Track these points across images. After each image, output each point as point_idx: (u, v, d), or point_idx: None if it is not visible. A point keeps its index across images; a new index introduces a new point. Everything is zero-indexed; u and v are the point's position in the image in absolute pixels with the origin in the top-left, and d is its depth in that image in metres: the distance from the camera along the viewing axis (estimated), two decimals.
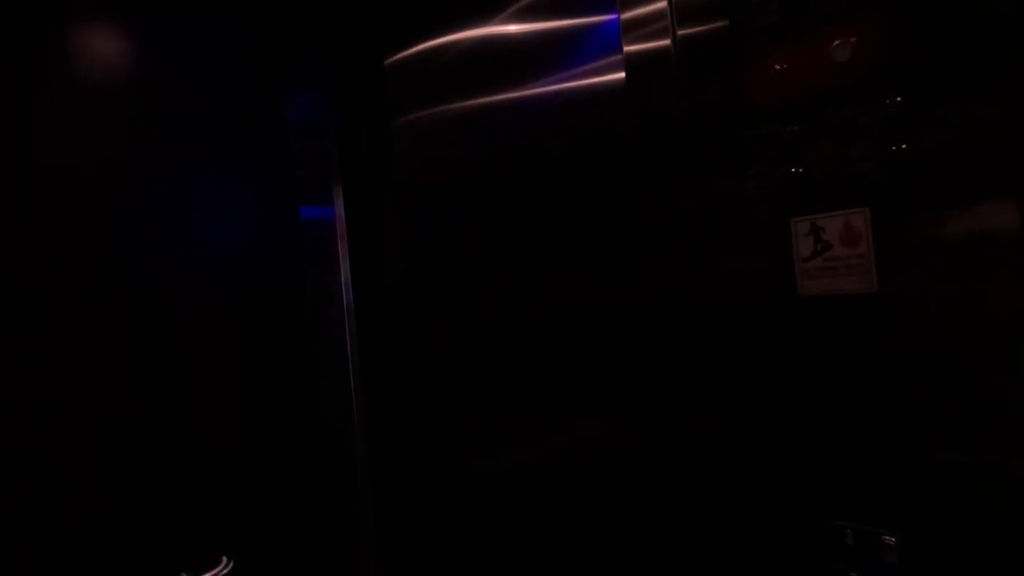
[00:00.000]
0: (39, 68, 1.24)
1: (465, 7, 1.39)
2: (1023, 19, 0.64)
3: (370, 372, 1.58)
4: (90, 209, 1.24)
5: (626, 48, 1.08)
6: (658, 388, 0.96)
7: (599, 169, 1.18)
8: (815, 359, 0.76)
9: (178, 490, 1.25)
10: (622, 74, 1.11)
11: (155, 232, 1.35)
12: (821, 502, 0.76)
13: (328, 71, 1.64)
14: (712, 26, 0.94)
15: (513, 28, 1.32)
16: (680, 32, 1.00)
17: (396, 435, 1.55)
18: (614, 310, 1.10)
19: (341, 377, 1.56)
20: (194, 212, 1.43)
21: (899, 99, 0.71)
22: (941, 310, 0.68)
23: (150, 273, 1.32)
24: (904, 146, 0.71)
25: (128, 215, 1.31)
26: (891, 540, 0.70)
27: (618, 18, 1.09)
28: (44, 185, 1.19)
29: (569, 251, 1.20)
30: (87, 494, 1.13)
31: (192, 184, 1.43)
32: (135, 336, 1.25)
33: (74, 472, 1.12)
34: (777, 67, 0.81)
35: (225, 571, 1.20)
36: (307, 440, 1.54)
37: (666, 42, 1.01)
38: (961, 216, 0.68)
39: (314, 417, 1.57)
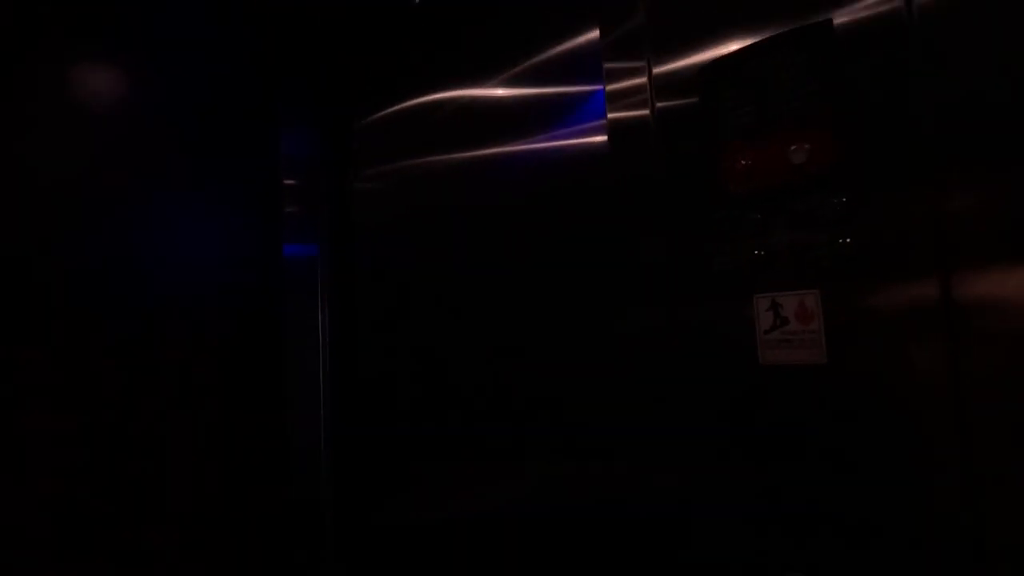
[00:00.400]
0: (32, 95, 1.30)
1: (465, 73, 1.50)
2: (933, 127, 0.76)
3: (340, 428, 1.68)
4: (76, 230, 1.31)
5: (609, 115, 1.19)
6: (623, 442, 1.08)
7: (580, 224, 1.30)
8: (774, 421, 0.88)
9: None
10: (606, 137, 1.22)
11: (139, 258, 1.41)
12: (776, 556, 0.88)
13: (320, 113, 1.73)
14: (686, 102, 1.06)
15: (513, 91, 1.44)
16: (658, 104, 1.11)
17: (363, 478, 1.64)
18: (584, 359, 1.22)
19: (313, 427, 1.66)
20: (179, 241, 1.49)
21: (844, 199, 0.83)
22: (878, 379, 0.80)
23: (129, 300, 1.37)
24: (848, 240, 0.83)
25: (112, 239, 1.38)
26: None
27: (603, 89, 1.20)
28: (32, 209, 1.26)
29: (538, 302, 1.33)
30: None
31: (178, 215, 1.50)
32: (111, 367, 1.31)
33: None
34: (744, 162, 0.92)
35: None
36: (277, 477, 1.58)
37: (645, 112, 1.13)
38: (895, 296, 0.80)
39: (285, 448, 1.63)
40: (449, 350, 1.53)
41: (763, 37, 0.95)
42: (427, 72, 1.56)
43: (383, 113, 1.70)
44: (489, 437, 1.41)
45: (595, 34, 1.26)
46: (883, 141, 0.81)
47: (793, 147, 0.87)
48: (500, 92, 1.46)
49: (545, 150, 1.38)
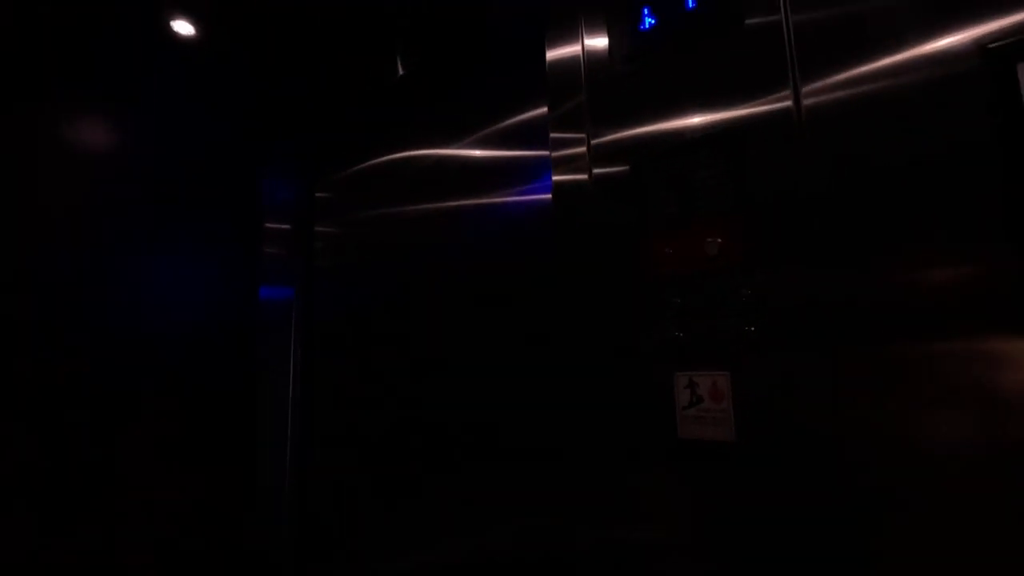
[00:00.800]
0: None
1: (433, 134, 1.58)
2: (820, 224, 0.84)
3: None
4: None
5: (554, 177, 1.26)
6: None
7: (524, 283, 1.39)
8: (693, 495, 0.96)
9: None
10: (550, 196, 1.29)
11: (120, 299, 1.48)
12: None
13: (295, 171, 1.80)
14: (617, 169, 1.13)
15: (471, 153, 1.52)
16: (594, 171, 1.19)
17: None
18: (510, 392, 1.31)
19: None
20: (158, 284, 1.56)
21: (749, 291, 0.91)
22: (780, 459, 0.88)
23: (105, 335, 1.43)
24: (753, 328, 0.90)
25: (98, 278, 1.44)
26: None
27: (550, 155, 1.27)
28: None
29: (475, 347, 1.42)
30: None
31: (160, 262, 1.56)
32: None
33: None
34: (667, 250, 0.99)
35: None
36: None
37: (584, 176, 1.20)
38: (794, 380, 0.87)
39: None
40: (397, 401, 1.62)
41: (683, 126, 1.02)
42: (383, 138, 1.67)
43: (343, 173, 1.81)
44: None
45: (544, 110, 1.33)
46: (781, 236, 0.88)
47: (708, 239, 0.94)
48: (464, 153, 1.55)
49: (495, 205, 1.47)
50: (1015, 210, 0.70)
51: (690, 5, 1.05)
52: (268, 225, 1.83)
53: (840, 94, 0.86)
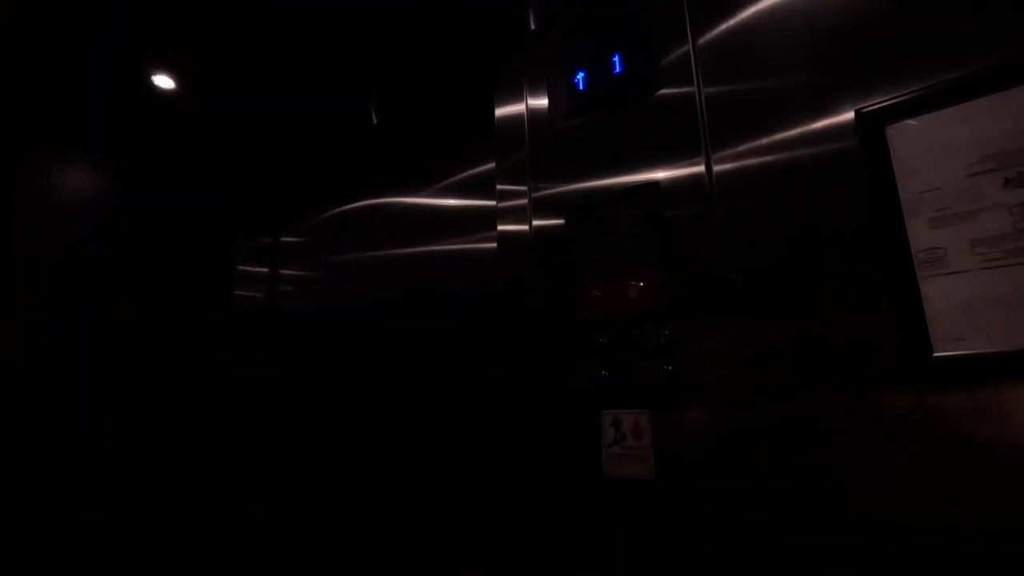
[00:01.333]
0: None
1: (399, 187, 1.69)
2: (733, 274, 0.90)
3: None
4: None
5: (499, 227, 1.33)
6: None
7: (470, 318, 1.44)
8: (617, 531, 0.98)
9: None
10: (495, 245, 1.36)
11: None
12: None
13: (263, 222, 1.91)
14: (554, 222, 1.21)
15: (436, 201, 1.61)
16: (534, 222, 1.26)
17: None
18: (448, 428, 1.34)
19: None
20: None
21: (667, 332, 0.96)
22: (695, 498, 0.91)
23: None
24: (671, 368, 0.95)
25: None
26: None
27: (496, 206, 1.35)
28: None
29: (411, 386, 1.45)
30: None
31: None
32: None
33: None
34: (595, 292, 1.06)
35: None
36: None
37: (525, 227, 1.28)
38: (707, 418, 0.91)
39: None
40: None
41: (611, 183, 1.11)
42: (350, 188, 1.79)
43: (304, 223, 1.93)
44: None
45: (492, 164, 1.42)
46: (695, 285, 0.95)
47: (631, 283, 1.00)
48: (425, 202, 1.67)
49: (443, 252, 1.57)
50: (894, 278, 0.74)
51: (616, 70, 1.16)
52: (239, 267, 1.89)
53: (748, 162, 0.95)
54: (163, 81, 1.64)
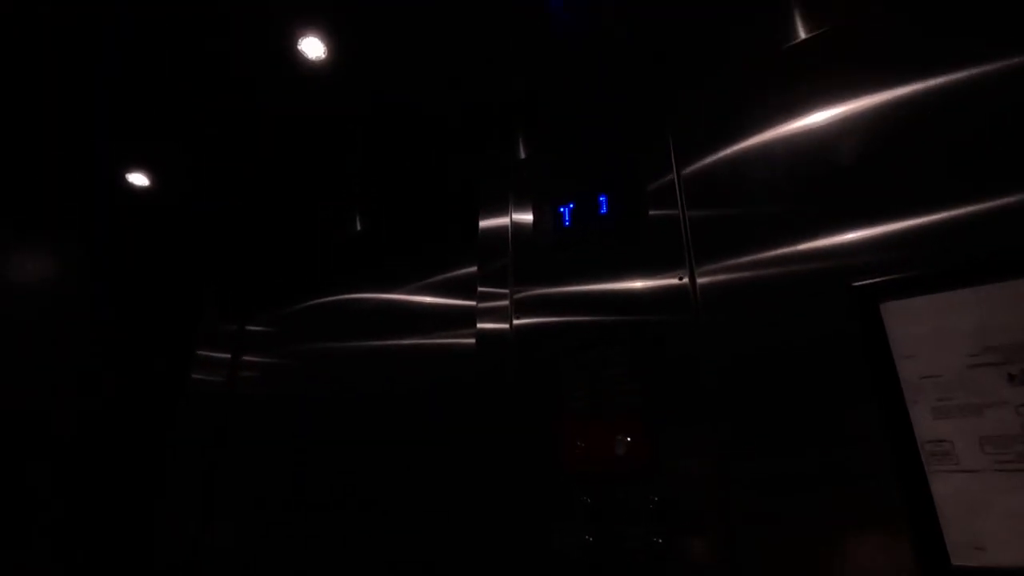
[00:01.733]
0: None
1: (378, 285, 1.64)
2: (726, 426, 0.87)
3: None
4: None
5: (478, 325, 1.29)
6: None
7: (445, 415, 1.40)
8: None
9: None
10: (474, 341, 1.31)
11: None
12: None
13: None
14: (536, 320, 1.18)
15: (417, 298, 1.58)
16: (515, 322, 1.23)
17: None
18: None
19: None
20: None
21: (656, 498, 0.89)
22: None
23: None
24: (660, 540, 0.87)
25: None
26: None
27: (476, 305, 1.31)
28: None
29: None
30: None
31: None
32: None
33: None
34: (579, 443, 0.99)
35: None
36: None
37: (506, 326, 1.24)
38: None
39: None
40: None
41: (595, 319, 1.08)
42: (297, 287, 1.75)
43: (276, 312, 1.85)
44: None
45: (474, 268, 1.38)
46: (684, 437, 0.90)
47: (617, 437, 0.94)
48: (396, 297, 1.64)
49: (420, 346, 1.53)
50: (902, 470, 0.69)
51: (603, 211, 1.18)
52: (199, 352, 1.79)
53: (730, 276, 0.95)
54: (138, 179, 1.52)
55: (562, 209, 1.23)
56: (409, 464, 1.44)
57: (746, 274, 0.94)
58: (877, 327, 0.73)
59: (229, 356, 1.80)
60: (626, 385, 0.98)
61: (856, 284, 0.79)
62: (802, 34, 1.06)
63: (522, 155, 1.43)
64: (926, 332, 0.69)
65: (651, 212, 1.09)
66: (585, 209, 1.20)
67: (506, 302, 1.26)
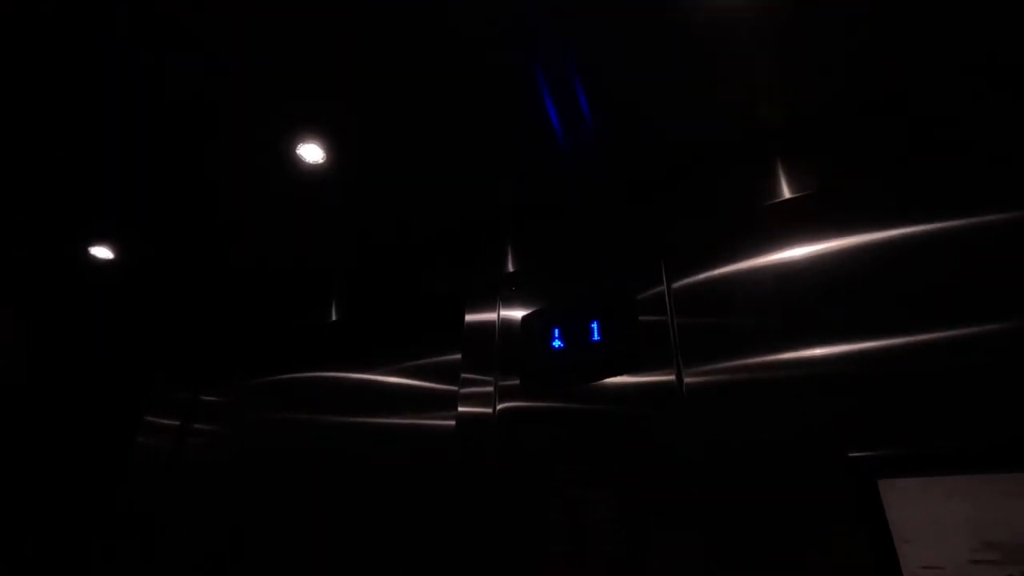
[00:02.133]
0: None
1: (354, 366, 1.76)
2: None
3: None
4: None
5: (459, 409, 1.43)
6: None
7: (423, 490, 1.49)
8: None
9: None
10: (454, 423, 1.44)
11: None
12: None
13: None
14: (522, 404, 1.33)
15: (390, 380, 1.73)
16: (499, 407, 1.37)
17: None
18: None
19: None
20: None
21: None
22: None
23: None
24: None
25: None
26: None
27: (459, 391, 1.46)
28: None
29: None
30: None
31: None
32: None
33: None
34: None
35: None
36: None
37: (489, 410, 1.37)
38: None
39: None
40: None
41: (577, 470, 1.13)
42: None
43: (224, 387, 1.87)
44: None
45: (458, 356, 1.54)
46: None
47: None
48: (369, 378, 1.76)
49: (398, 426, 1.65)
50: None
51: (595, 337, 1.25)
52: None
53: (717, 378, 1.08)
54: (101, 252, 1.56)
55: (552, 331, 1.30)
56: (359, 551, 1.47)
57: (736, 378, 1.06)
58: (876, 505, 0.71)
59: (179, 423, 1.79)
60: (613, 534, 0.98)
61: (852, 455, 0.80)
62: (786, 193, 1.22)
63: (511, 268, 1.52)
64: (924, 517, 0.66)
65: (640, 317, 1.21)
66: (576, 335, 1.25)
67: (490, 388, 1.39)
